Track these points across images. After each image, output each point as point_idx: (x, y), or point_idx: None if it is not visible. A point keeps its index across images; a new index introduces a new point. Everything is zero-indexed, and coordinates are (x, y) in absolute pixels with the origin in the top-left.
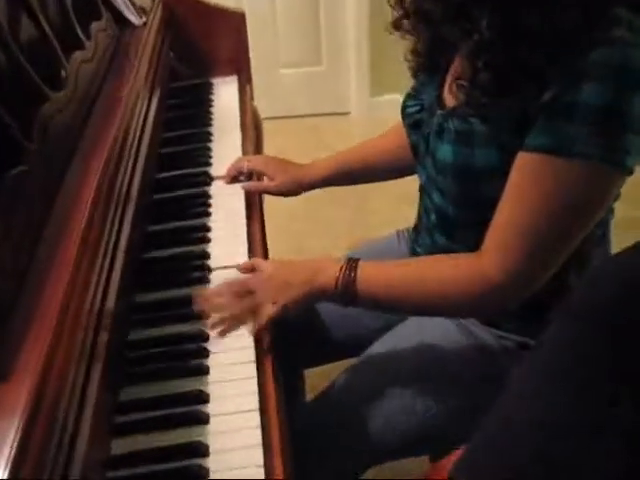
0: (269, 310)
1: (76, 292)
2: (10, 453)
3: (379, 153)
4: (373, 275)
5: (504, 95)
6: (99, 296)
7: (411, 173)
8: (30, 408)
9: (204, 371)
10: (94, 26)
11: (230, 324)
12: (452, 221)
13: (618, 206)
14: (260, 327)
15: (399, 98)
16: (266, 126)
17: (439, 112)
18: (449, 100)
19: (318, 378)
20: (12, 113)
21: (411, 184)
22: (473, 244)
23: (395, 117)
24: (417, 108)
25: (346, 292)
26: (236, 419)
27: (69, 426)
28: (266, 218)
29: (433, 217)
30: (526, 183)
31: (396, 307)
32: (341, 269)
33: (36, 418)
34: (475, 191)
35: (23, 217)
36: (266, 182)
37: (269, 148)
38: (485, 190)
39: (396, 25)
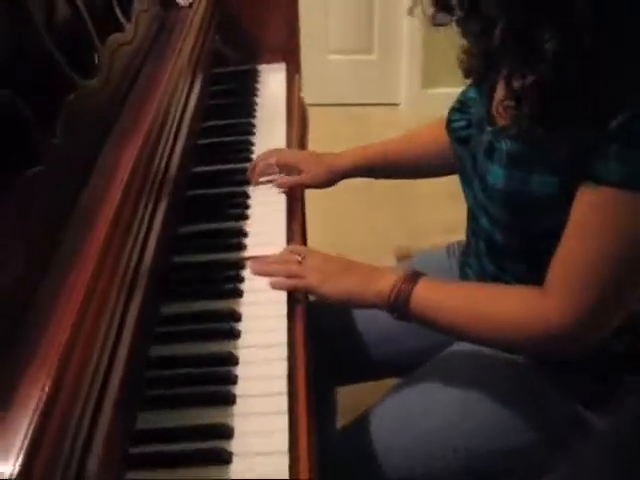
0: (312, 280)
1: (98, 290)
2: (22, 445)
3: (420, 148)
4: (430, 293)
5: (554, 125)
6: (123, 296)
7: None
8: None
9: (230, 401)
10: (136, 6)
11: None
12: (501, 250)
13: None
14: (294, 288)
15: (452, 92)
16: (310, 113)
17: (489, 129)
18: (500, 117)
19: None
20: (33, 104)
21: (458, 183)
22: (524, 276)
23: (446, 112)
24: (464, 123)
25: (397, 303)
26: (261, 462)
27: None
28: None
29: (482, 244)
30: (592, 219)
31: (448, 331)
32: (400, 278)
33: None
34: (528, 220)
35: (42, 216)
36: (301, 175)
37: (311, 136)
38: (540, 220)
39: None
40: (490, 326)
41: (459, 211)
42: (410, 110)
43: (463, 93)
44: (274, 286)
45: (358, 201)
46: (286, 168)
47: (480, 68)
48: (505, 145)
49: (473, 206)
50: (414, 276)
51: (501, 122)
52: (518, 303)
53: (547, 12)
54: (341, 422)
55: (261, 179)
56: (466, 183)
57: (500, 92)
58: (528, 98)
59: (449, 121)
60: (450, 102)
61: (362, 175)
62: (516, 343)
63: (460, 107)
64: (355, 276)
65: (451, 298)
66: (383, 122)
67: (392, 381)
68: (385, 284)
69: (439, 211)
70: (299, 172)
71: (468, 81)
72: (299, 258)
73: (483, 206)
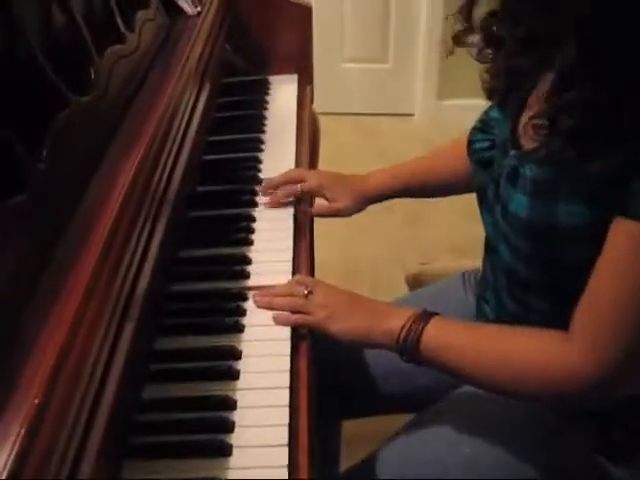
0: (318, 317)
1: (85, 324)
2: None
3: (447, 166)
4: (443, 334)
5: (591, 150)
6: (112, 331)
7: None
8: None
9: (226, 452)
10: (140, 15)
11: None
12: (522, 283)
13: None
14: (298, 324)
15: (468, 104)
16: (322, 122)
17: (513, 152)
18: (526, 140)
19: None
20: (19, 125)
21: (472, 198)
22: (547, 314)
23: (462, 124)
24: (487, 144)
25: (407, 344)
26: None
27: None
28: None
29: (501, 277)
30: (623, 257)
31: (461, 376)
32: (410, 318)
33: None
34: (552, 251)
35: (26, 247)
36: (332, 205)
37: (323, 146)
38: (564, 251)
39: (456, 39)
40: (508, 372)
41: (466, 230)
42: (424, 121)
43: (486, 112)
44: (277, 321)
45: (366, 215)
46: (310, 194)
47: (503, 89)
48: (530, 171)
49: (492, 235)
50: (425, 315)
51: (526, 145)
52: (540, 347)
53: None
54: (344, 451)
55: (279, 200)
56: (486, 210)
57: (529, 112)
58: (568, 114)
59: (470, 142)
60: (465, 114)
61: (390, 198)
62: (535, 391)
63: (482, 127)
64: (363, 314)
65: (466, 340)
66: (396, 133)
67: (400, 416)
68: (394, 323)
69: (445, 230)
70: (325, 198)
71: (485, 93)
72: (305, 291)
73: (504, 235)
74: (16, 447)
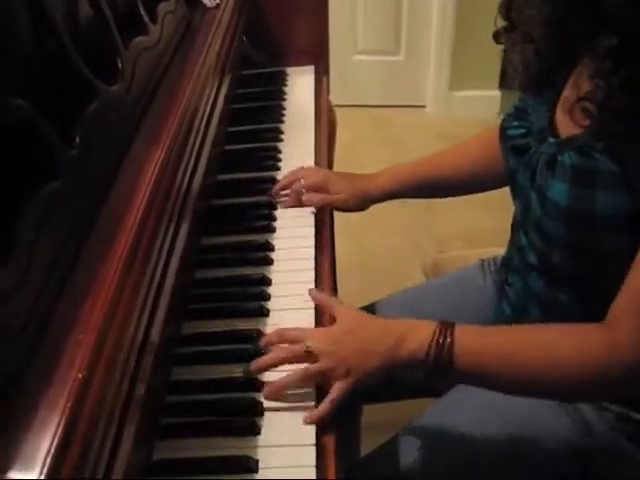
0: (341, 384)
1: (119, 311)
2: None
3: (458, 166)
4: (474, 343)
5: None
6: (146, 312)
7: (497, 187)
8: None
9: (254, 432)
10: (161, 7)
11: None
12: (556, 268)
13: None
14: (330, 406)
15: (479, 95)
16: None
17: (552, 140)
18: (564, 126)
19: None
20: (52, 113)
21: None
22: (582, 293)
23: (473, 115)
24: (522, 131)
25: (439, 362)
26: None
27: None
28: None
29: (532, 258)
30: None
31: (498, 385)
32: (434, 333)
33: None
34: (589, 240)
35: (61, 233)
36: (331, 196)
37: (336, 137)
38: (604, 240)
39: (496, 36)
40: (555, 371)
41: (480, 222)
42: (436, 112)
43: (521, 99)
44: (312, 420)
45: (381, 206)
46: (315, 189)
47: (539, 78)
48: (570, 159)
49: (524, 221)
50: (447, 327)
51: (564, 133)
52: (582, 341)
53: None
54: (364, 437)
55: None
56: (519, 197)
57: (577, 90)
58: (619, 92)
59: (504, 128)
60: (476, 105)
61: (396, 198)
62: (586, 387)
63: (517, 113)
64: (379, 353)
65: (506, 348)
66: (408, 124)
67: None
68: (416, 346)
69: (459, 221)
70: (328, 193)
71: (519, 88)
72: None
73: (539, 222)
74: (63, 420)
